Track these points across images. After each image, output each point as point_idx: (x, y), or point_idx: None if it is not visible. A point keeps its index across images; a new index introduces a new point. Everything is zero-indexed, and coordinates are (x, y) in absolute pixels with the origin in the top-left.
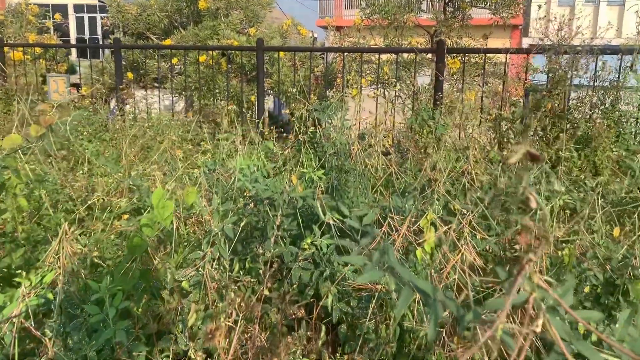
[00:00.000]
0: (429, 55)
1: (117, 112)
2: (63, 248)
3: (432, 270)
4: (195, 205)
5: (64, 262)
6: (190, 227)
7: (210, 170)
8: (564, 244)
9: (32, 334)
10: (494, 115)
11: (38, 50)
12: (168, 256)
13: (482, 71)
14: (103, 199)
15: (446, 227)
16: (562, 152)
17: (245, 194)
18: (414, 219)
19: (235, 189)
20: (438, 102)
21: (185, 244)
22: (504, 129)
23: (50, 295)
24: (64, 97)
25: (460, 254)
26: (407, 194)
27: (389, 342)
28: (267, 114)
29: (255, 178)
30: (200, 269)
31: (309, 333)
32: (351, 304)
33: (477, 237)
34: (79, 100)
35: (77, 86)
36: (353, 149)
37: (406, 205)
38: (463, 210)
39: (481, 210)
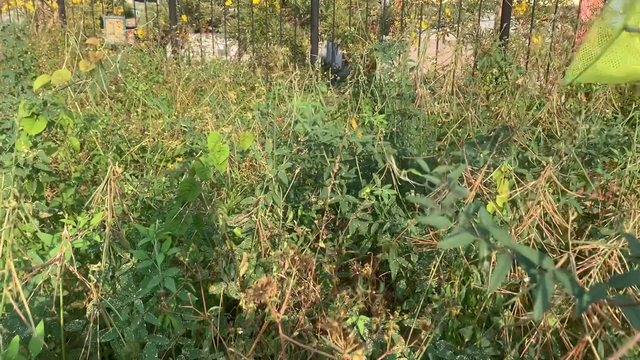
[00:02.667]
0: None
1: (172, 56)
2: (111, 189)
3: (510, 229)
4: (249, 149)
5: (112, 204)
6: (244, 172)
7: (264, 113)
8: None
9: (81, 276)
10: (564, 61)
11: None
12: (221, 201)
13: (554, 13)
14: (154, 138)
15: (523, 182)
16: None
17: (299, 139)
18: (486, 171)
19: (290, 133)
20: (503, 47)
21: (239, 189)
22: None
23: (97, 238)
24: (121, 39)
25: (538, 210)
26: (480, 142)
27: (455, 303)
28: (320, 59)
29: (314, 121)
30: (253, 215)
31: (367, 291)
32: (411, 260)
33: (551, 191)
34: (135, 42)
35: (133, 29)
36: (418, 92)
37: (480, 155)
38: (541, 162)
39: (560, 162)
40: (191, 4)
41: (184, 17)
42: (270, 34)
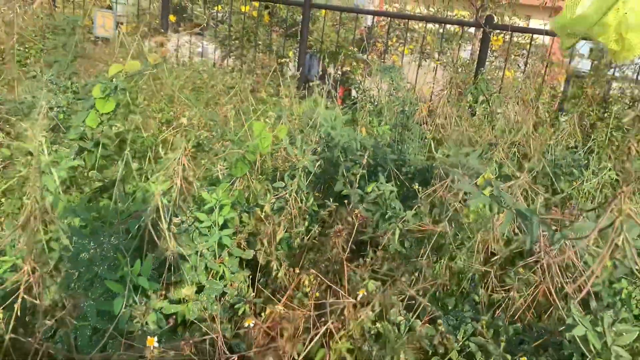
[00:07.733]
0: (472, 30)
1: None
2: (183, 164)
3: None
4: (281, 142)
5: (181, 174)
6: (271, 161)
7: (279, 117)
8: None
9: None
10: (532, 96)
11: None
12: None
13: (527, 51)
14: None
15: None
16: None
17: (320, 137)
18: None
19: (311, 134)
20: (479, 77)
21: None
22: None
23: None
24: (110, 32)
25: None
26: (470, 152)
27: (440, 277)
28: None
29: (333, 126)
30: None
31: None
32: (405, 245)
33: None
34: (122, 36)
35: (119, 24)
36: (421, 109)
37: (472, 162)
38: (515, 175)
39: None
40: (180, 5)
41: (172, 17)
42: (259, 42)
